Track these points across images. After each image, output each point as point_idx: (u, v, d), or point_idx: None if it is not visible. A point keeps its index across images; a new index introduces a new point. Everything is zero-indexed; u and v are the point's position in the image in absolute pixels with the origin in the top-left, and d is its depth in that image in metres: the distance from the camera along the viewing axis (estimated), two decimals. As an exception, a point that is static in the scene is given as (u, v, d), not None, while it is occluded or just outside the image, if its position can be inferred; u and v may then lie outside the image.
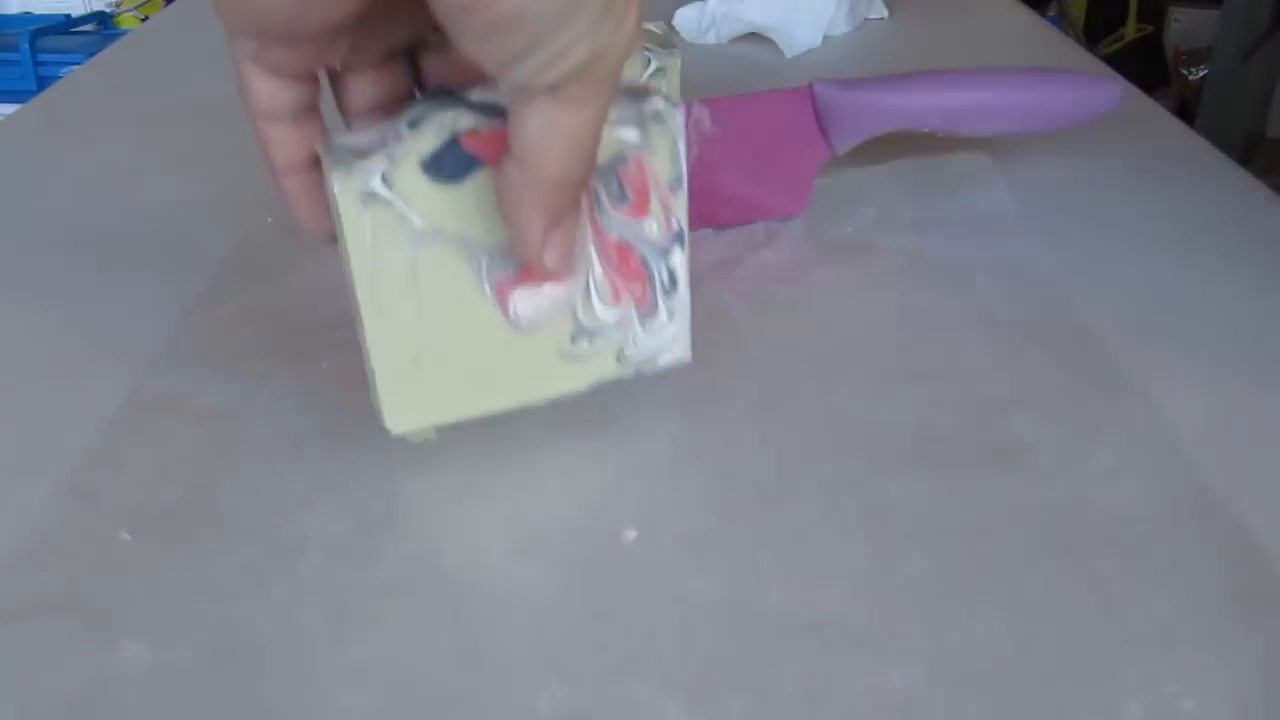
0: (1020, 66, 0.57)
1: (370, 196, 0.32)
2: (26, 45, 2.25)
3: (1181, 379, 0.41)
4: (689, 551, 0.33)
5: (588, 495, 0.36)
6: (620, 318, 0.36)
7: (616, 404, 0.39)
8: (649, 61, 0.45)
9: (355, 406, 0.38)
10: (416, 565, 0.33)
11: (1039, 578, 0.32)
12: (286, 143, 0.34)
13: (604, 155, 0.33)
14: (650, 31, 0.48)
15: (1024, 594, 0.32)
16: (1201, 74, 2.24)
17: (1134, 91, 0.74)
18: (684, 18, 0.86)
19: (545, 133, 0.29)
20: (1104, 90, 0.57)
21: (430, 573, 0.33)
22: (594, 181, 0.34)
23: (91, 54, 0.91)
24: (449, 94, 0.32)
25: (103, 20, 2.50)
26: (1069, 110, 0.56)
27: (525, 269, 0.34)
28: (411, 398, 0.35)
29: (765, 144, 0.52)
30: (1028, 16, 0.94)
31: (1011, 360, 0.42)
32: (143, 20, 2.39)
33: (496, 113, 0.32)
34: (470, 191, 0.33)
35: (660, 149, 0.34)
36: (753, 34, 0.84)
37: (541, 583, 0.32)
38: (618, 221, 0.34)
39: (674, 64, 0.47)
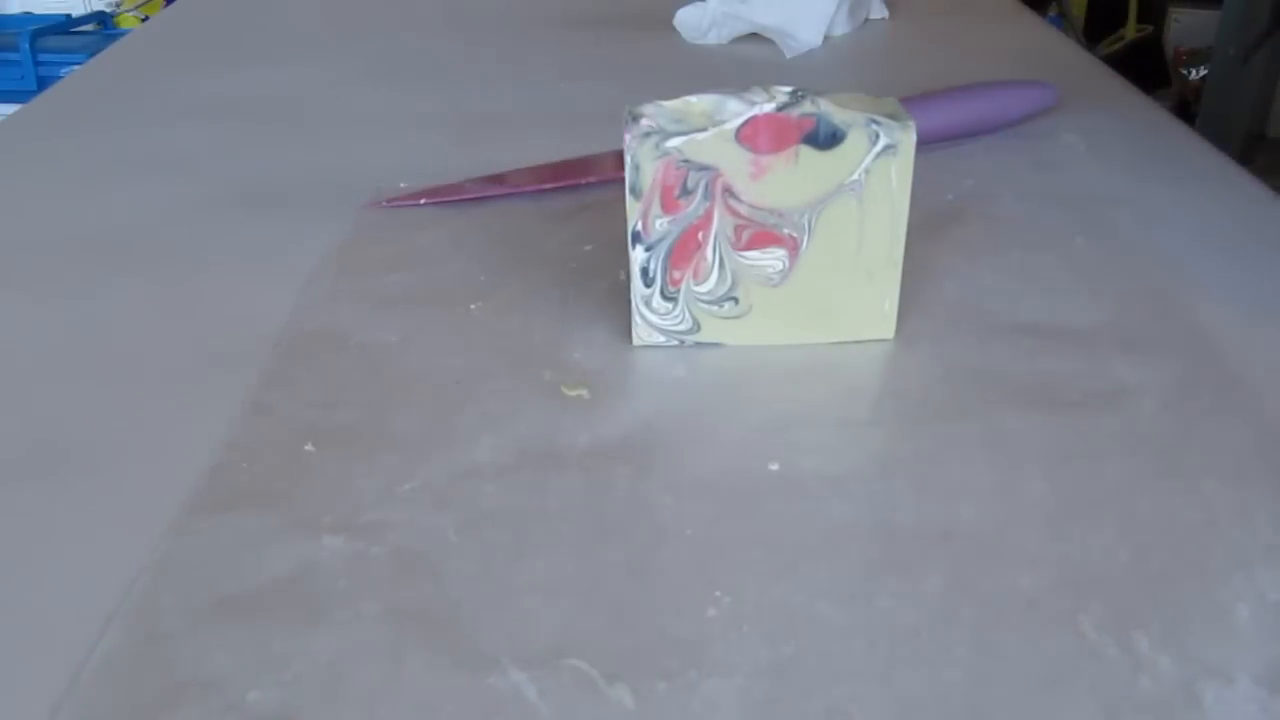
0: (965, 86, 0.66)
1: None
2: (26, 45, 2.25)
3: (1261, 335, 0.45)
4: (828, 480, 0.37)
5: (732, 439, 0.39)
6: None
7: (750, 368, 0.43)
8: (876, 137, 0.41)
9: (509, 349, 0.44)
10: (583, 497, 0.36)
11: (1150, 499, 0.35)
12: None
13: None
14: (874, 101, 0.42)
15: (1137, 512, 0.35)
16: (1201, 74, 2.24)
17: (1132, 90, 0.74)
18: (685, 18, 0.86)
19: None
20: (1042, 92, 0.66)
21: (596, 504, 0.36)
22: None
23: (91, 54, 0.92)
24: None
25: (103, 20, 2.50)
26: (1018, 111, 0.66)
27: None
28: None
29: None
30: (1027, 17, 0.94)
31: (1112, 313, 0.46)
32: (143, 20, 2.39)
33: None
34: None
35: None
36: (754, 34, 0.84)
37: (697, 510, 0.35)
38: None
39: (907, 139, 0.41)
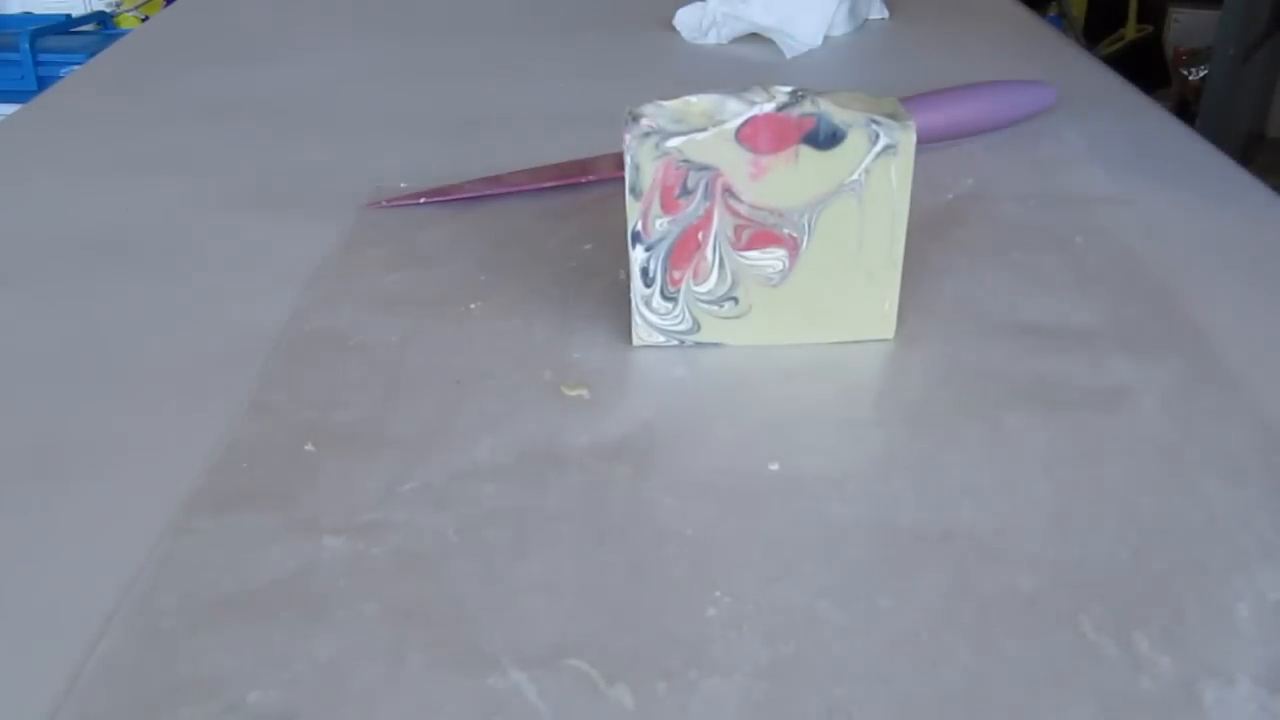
0: (965, 86, 0.66)
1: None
2: (26, 45, 2.25)
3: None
4: (828, 480, 0.37)
5: (732, 439, 0.39)
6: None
7: (750, 368, 0.43)
8: (876, 137, 0.41)
9: (509, 349, 0.44)
10: (583, 497, 0.36)
11: (1150, 498, 0.36)
12: None
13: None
14: (874, 101, 0.42)
15: (1137, 512, 0.35)
16: (1201, 74, 2.25)
17: (1132, 90, 0.74)
18: (684, 18, 0.86)
19: None
20: (1042, 92, 0.66)
21: (596, 504, 0.36)
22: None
23: (91, 54, 0.91)
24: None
25: (103, 20, 2.50)
26: (1017, 111, 0.66)
27: None
28: None
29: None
30: (1027, 17, 0.94)
31: (1112, 312, 0.46)
32: (143, 20, 2.39)
33: None
34: None
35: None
36: (754, 34, 0.84)
37: (697, 510, 0.35)
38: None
39: (907, 139, 0.41)
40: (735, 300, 0.43)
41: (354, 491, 0.36)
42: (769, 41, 0.83)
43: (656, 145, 0.40)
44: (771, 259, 0.42)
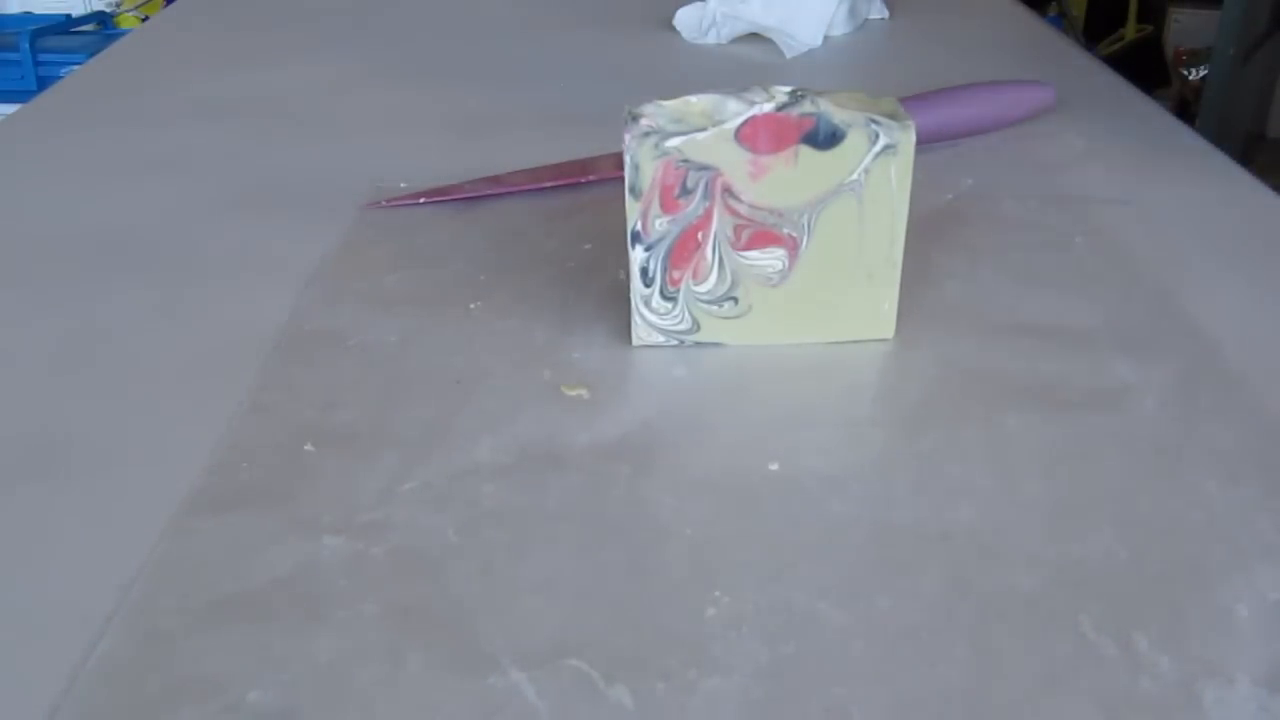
0: (965, 86, 0.66)
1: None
2: (26, 45, 2.25)
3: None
4: (828, 479, 0.37)
5: (732, 439, 0.39)
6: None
7: (750, 368, 0.43)
8: (876, 137, 0.41)
9: (509, 349, 0.44)
10: (583, 497, 0.36)
11: (1149, 498, 0.36)
12: None
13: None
14: (874, 101, 0.42)
15: (1136, 512, 0.35)
16: (1201, 74, 2.25)
17: (1132, 90, 0.74)
18: (684, 18, 0.86)
19: None
20: (1042, 92, 0.66)
21: (596, 504, 0.36)
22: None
23: (91, 54, 0.91)
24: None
25: (103, 20, 2.50)
26: (1017, 111, 0.66)
27: None
28: None
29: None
30: (1027, 17, 0.94)
31: (1112, 313, 0.46)
32: (143, 20, 2.39)
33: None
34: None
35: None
36: (754, 34, 0.84)
37: (697, 510, 0.35)
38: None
39: (906, 139, 0.41)
40: (735, 300, 0.43)
41: (354, 491, 0.36)
42: (769, 41, 0.83)
43: (656, 145, 0.40)
44: (771, 259, 0.42)
